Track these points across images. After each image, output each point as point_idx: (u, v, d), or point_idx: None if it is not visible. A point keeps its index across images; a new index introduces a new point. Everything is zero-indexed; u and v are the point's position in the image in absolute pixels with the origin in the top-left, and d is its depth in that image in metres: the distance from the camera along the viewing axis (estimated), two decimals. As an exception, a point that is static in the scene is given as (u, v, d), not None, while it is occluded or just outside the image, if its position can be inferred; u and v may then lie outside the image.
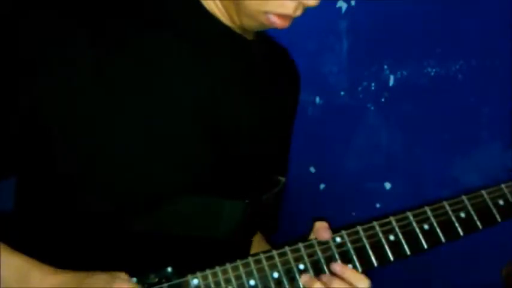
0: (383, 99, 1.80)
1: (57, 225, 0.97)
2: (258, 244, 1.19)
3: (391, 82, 1.79)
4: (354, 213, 1.89)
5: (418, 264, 1.84)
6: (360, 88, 1.81)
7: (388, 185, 1.86)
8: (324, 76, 1.82)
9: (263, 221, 1.19)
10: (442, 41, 1.74)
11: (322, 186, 1.90)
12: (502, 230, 1.57)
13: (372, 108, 1.82)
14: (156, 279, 0.93)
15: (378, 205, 1.88)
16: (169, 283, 0.93)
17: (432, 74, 1.76)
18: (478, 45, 1.72)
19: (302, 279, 0.94)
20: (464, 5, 1.70)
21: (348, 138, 1.86)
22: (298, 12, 0.96)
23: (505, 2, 1.66)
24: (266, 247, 1.19)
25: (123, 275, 0.91)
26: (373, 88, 1.80)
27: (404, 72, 1.78)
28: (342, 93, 1.82)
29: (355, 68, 1.80)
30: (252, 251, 1.15)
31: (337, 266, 0.95)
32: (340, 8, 1.77)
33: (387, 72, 1.79)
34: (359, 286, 0.94)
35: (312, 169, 1.89)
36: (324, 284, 0.94)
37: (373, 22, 1.77)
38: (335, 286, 0.93)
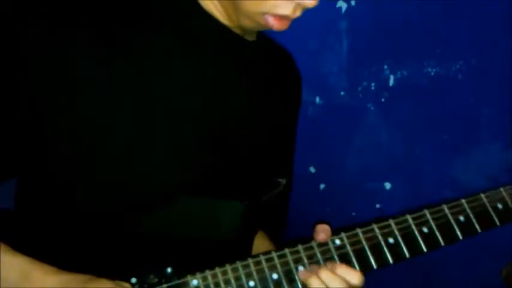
0: (383, 99, 1.80)
1: (57, 225, 0.97)
2: (260, 242, 1.19)
3: (391, 82, 1.79)
4: (353, 213, 1.90)
5: (417, 264, 1.84)
6: (360, 88, 1.81)
7: (388, 185, 1.86)
8: (324, 76, 1.82)
9: (266, 222, 1.19)
10: (442, 41, 1.74)
11: (322, 186, 1.90)
12: (502, 230, 1.57)
13: (372, 108, 1.81)
14: (156, 280, 0.93)
15: (377, 205, 1.88)
16: (169, 284, 0.93)
17: (432, 74, 1.76)
18: (478, 45, 1.71)
19: (300, 274, 0.95)
20: (464, 5, 1.69)
21: (348, 138, 1.86)
22: (297, 13, 0.95)
23: (505, 2, 1.65)
24: (269, 246, 1.20)
25: (126, 285, 0.91)
26: (373, 88, 1.80)
27: (405, 72, 1.78)
28: (342, 93, 1.82)
29: (355, 68, 1.80)
30: (255, 249, 1.15)
31: (329, 264, 0.95)
32: (340, 8, 1.76)
33: (387, 72, 1.79)
34: (351, 281, 0.94)
35: (312, 169, 1.89)
36: (319, 277, 0.94)
37: (373, 22, 1.76)
38: (329, 282, 0.93)
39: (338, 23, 1.78)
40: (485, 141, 1.76)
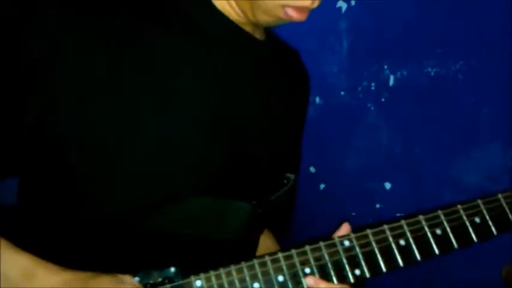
0: (383, 99, 1.80)
1: (63, 224, 0.97)
2: (264, 240, 1.18)
3: (391, 82, 1.79)
4: (354, 213, 1.89)
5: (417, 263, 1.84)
6: (360, 88, 1.81)
7: (388, 185, 1.86)
8: (324, 76, 1.81)
9: (273, 222, 1.18)
10: (442, 41, 1.74)
11: (322, 186, 1.90)
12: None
13: (372, 108, 1.81)
14: (160, 279, 0.92)
15: (377, 205, 1.87)
16: (172, 284, 0.92)
17: (432, 74, 1.76)
18: (478, 45, 1.71)
19: (307, 281, 0.92)
20: (465, 5, 1.69)
21: (348, 138, 1.86)
22: (315, 4, 0.96)
23: (505, 2, 1.66)
24: (271, 244, 1.19)
25: (129, 278, 0.90)
26: (373, 88, 1.80)
27: (405, 72, 1.78)
28: (342, 93, 1.82)
29: (355, 68, 1.80)
30: (260, 247, 1.14)
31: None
32: (340, 8, 1.76)
33: (387, 72, 1.78)
34: None
35: (312, 169, 1.88)
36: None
37: (373, 22, 1.76)
38: None
39: (338, 23, 1.78)
40: (485, 141, 1.76)
